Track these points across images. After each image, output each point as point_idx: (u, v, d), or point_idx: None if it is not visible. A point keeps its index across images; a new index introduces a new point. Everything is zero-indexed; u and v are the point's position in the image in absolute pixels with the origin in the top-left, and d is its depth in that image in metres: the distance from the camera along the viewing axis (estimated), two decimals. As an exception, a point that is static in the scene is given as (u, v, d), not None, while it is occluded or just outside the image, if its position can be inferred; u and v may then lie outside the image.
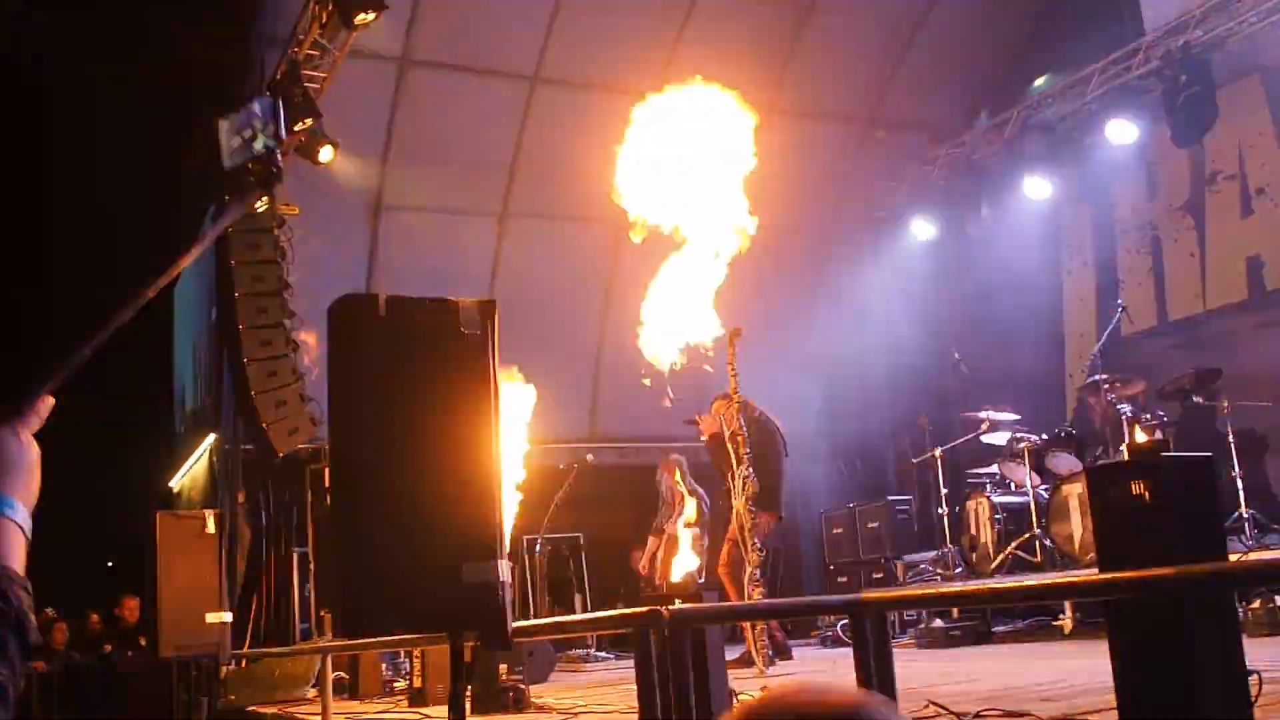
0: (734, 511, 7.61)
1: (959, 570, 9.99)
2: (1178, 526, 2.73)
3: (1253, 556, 6.89)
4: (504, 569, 3.24)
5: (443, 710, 4.06)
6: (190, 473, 13.41)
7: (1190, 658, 2.66)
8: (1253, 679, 2.76)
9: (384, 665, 8.19)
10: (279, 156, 9.45)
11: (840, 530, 12.26)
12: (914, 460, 11.72)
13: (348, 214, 11.89)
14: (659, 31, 12.59)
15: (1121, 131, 11.01)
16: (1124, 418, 8.79)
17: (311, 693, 7.68)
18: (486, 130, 12.45)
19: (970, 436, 10.55)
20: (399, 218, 12.23)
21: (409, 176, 11.99)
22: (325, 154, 10.31)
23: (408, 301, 3.42)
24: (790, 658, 8.26)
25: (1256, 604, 6.67)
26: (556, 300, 13.18)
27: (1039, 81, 12.37)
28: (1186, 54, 10.12)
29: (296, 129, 9.88)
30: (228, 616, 8.21)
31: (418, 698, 6.51)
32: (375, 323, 3.32)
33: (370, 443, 3.26)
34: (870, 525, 11.87)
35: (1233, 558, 3.68)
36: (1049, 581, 7.20)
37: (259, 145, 8.42)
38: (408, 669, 7.13)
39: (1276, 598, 6.64)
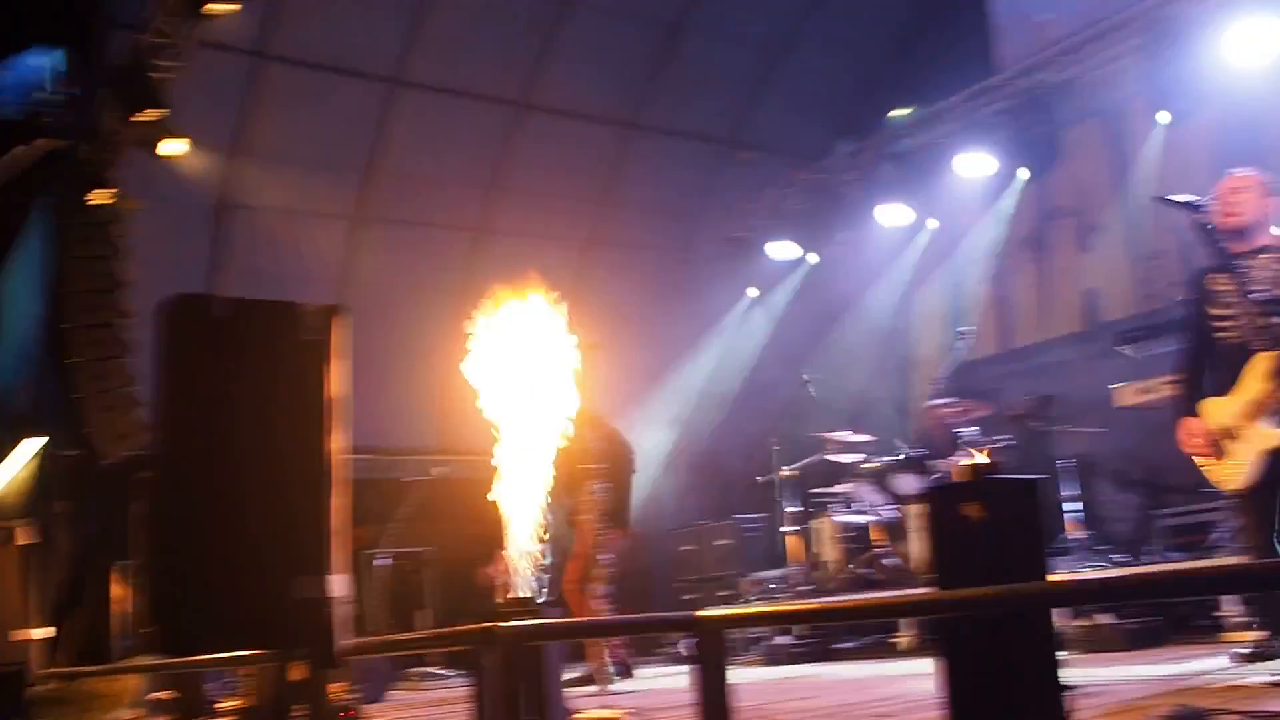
0: (579, 529, 7.56)
1: (805, 589, 10.11)
2: (1004, 546, 2.78)
3: (1076, 577, 7.15)
4: (337, 584, 3.13)
5: (269, 730, 3.92)
6: (12, 479, 12.79)
7: (1010, 673, 2.70)
8: (1069, 695, 2.83)
9: (211, 686, 7.88)
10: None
11: (689, 548, 12.30)
12: (762, 479, 11.82)
13: (193, 211, 11.49)
14: (525, 40, 12.53)
15: (973, 164, 11.34)
16: (961, 441, 9.04)
17: (130, 714, 7.36)
18: (342, 132, 12.20)
19: (818, 457, 10.70)
20: (246, 216, 11.87)
21: (258, 175, 11.65)
22: (173, 147, 9.89)
23: (245, 303, 3.28)
24: (631, 676, 8.23)
25: (1082, 621, 6.88)
26: (409, 308, 12.98)
27: (897, 113, 12.66)
28: (1035, 94, 10.52)
29: (141, 119, 9.50)
30: (37, 633, 7.81)
31: (246, 718, 6.28)
32: (209, 324, 3.18)
33: (198, 450, 3.11)
34: (718, 543, 11.94)
35: (1058, 578, 3.76)
36: (878, 599, 7.35)
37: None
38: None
39: (1096, 616, 6.86)
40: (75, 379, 9.46)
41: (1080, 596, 3.70)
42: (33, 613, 7.67)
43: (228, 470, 3.08)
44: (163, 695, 7.11)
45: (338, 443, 3.13)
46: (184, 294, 3.25)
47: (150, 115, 9.47)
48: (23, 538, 7.63)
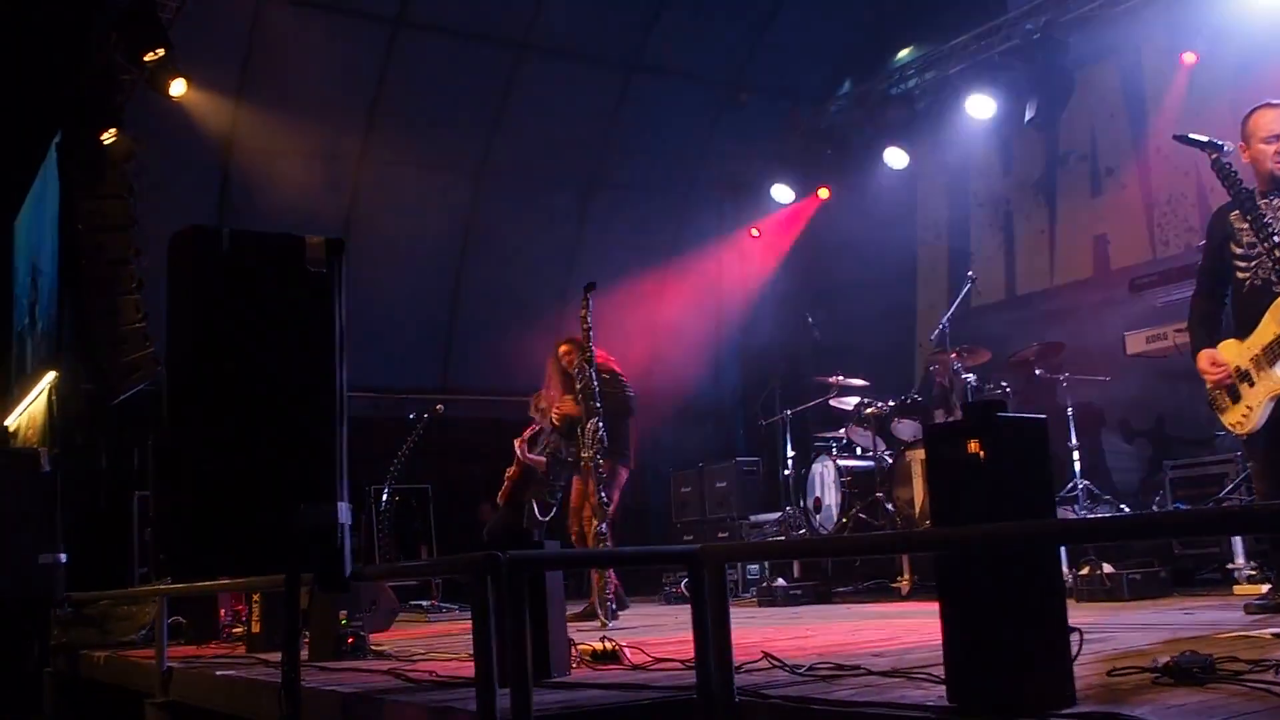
0: (584, 466, 7.63)
1: (803, 532, 10.18)
2: (1009, 485, 2.80)
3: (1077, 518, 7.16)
4: (344, 511, 3.18)
5: (279, 655, 3.99)
6: (28, 411, 12.90)
7: (1014, 613, 2.74)
8: (1074, 637, 2.86)
9: (224, 611, 8.00)
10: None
11: (688, 489, 12.39)
12: (763, 422, 11.88)
13: (200, 151, 11.49)
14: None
15: (980, 106, 11.23)
16: (967, 386, 9.05)
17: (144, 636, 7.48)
18: (348, 72, 12.15)
19: (819, 400, 10.74)
20: (252, 157, 11.86)
21: (264, 116, 11.62)
22: (176, 87, 9.86)
23: (252, 236, 3.32)
24: (625, 607, 8.43)
25: (1085, 570, 6.93)
26: (413, 248, 13.00)
27: (902, 54, 12.57)
28: (1046, 33, 10.36)
29: (147, 59, 9.47)
30: (61, 558, 7.93)
31: (255, 643, 6.37)
32: (218, 256, 3.21)
33: (207, 379, 3.16)
34: (718, 485, 12.02)
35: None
36: (880, 536, 7.41)
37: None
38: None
39: (1104, 565, 6.90)
40: (89, 314, 9.50)
41: (1083, 535, 3.73)
42: (57, 538, 7.79)
43: (237, 400, 3.12)
44: (177, 620, 7.23)
45: (344, 372, 3.17)
46: (194, 226, 3.28)
47: (155, 55, 9.42)
48: (32, 467, 7.72)
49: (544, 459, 9.14)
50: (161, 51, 9.47)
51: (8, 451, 8.53)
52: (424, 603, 10.97)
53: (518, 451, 9.56)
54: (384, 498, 10.30)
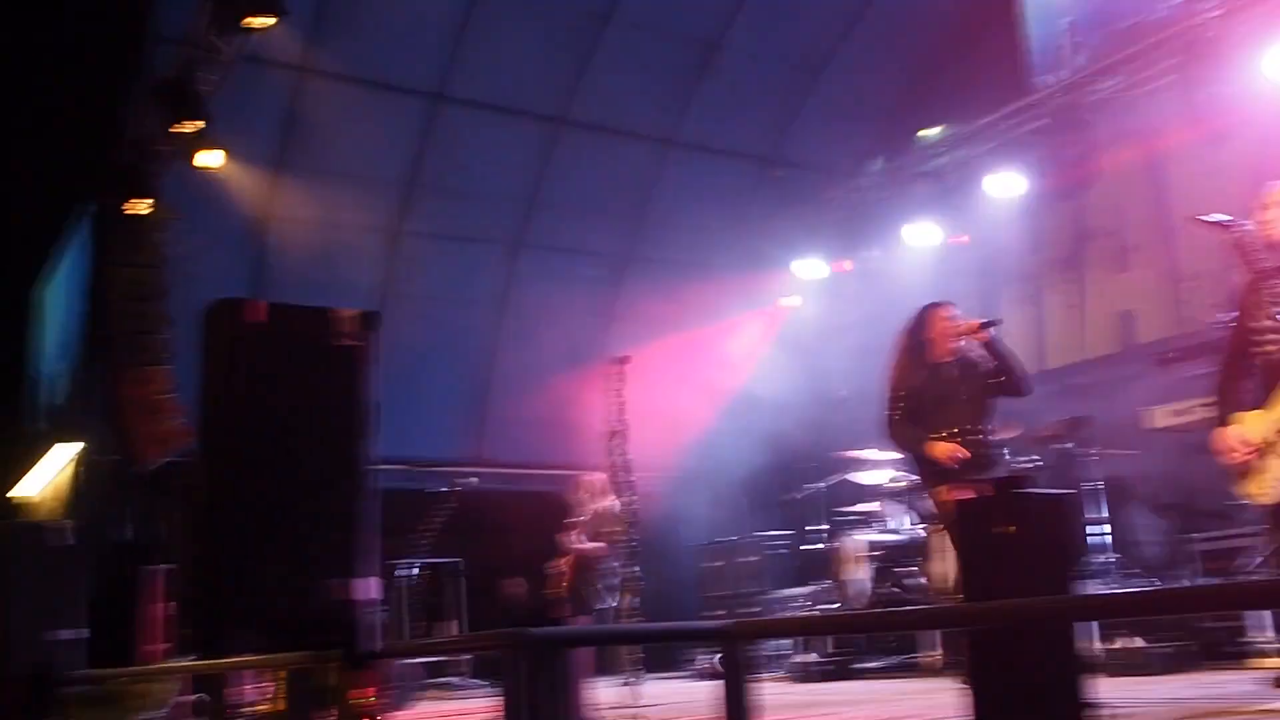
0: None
1: (833, 607, 10.07)
2: (1038, 559, 2.78)
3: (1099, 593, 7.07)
4: (372, 587, 3.18)
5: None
6: (53, 482, 12.93)
7: (1034, 688, 2.70)
8: (1093, 712, 2.83)
9: (248, 688, 7.94)
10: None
11: (717, 564, 12.29)
12: (794, 496, 11.80)
13: (236, 222, 11.62)
14: (564, 56, 12.62)
15: (1007, 183, 11.31)
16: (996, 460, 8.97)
17: (159, 715, 7.43)
18: (384, 146, 12.32)
19: (851, 474, 10.67)
20: (288, 230, 11.99)
21: (301, 188, 11.77)
22: (213, 159, 10.01)
23: (286, 308, 3.37)
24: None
25: (1117, 643, 6.83)
26: (449, 321, 13.07)
27: (931, 131, 12.65)
28: (1072, 113, 10.46)
29: (185, 130, 9.63)
30: (84, 633, 7.89)
31: (277, 720, 6.33)
32: (251, 328, 3.25)
33: (239, 451, 3.18)
34: (746, 560, 11.92)
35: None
36: (903, 612, 7.31)
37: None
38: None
39: (1137, 639, 6.81)
40: (116, 384, 9.58)
41: (1102, 611, 3.68)
42: (66, 614, 7.74)
43: (264, 473, 3.14)
44: (191, 698, 7.18)
45: (374, 446, 3.19)
46: (226, 298, 3.32)
47: (190, 126, 9.58)
48: (55, 540, 7.68)
49: (604, 545, 8.80)
50: (200, 123, 9.62)
51: (31, 525, 8.51)
52: (453, 679, 10.87)
53: (574, 545, 9.20)
54: (413, 572, 10.26)
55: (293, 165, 11.79)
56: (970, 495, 5.88)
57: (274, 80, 11.44)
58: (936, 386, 6.47)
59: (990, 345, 6.46)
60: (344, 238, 12.17)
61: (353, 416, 3.24)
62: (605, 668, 8.85)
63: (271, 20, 9.01)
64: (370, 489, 3.19)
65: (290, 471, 3.16)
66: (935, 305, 6.67)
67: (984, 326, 6.41)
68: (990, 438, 6.51)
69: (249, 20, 8.99)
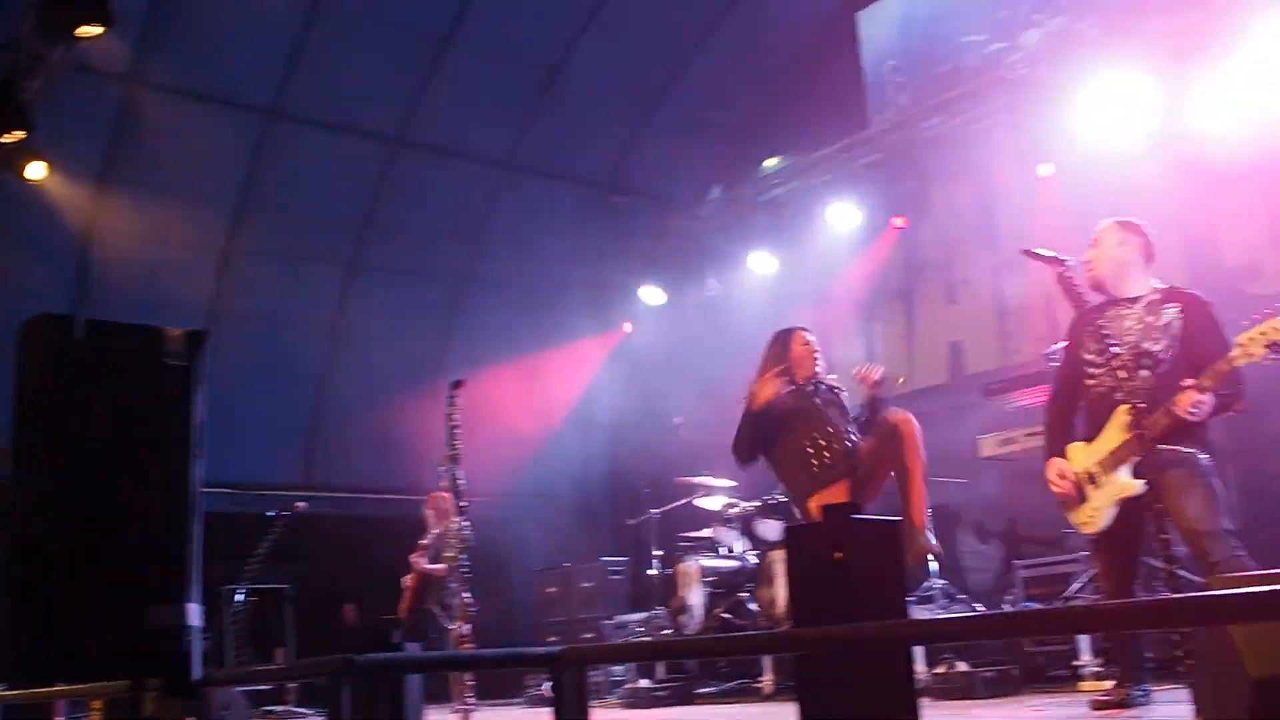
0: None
1: (667, 632, 10.13)
2: (866, 585, 2.85)
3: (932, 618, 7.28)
4: (193, 613, 3.09)
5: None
6: None
7: (869, 715, 2.76)
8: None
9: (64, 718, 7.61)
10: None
11: (554, 589, 12.26)
12: (630, 522, 11.86)
13: (58, 237, 11.17)
14: (404, 76, 12.51)
15: (843, 215, 11.61)
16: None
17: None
18: (216, 163, 11.99)
19: (686, 501, 10.78)
20: (113, 246, 11.56)
21: (128, 203, 11.38)
22: (35, 170, 9.63)
23: (107, 326, 3.25)
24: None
25: (941, 668, 7.02)
26: (281, 342, 12.78)
27: (770, 162, 12.91)
28: (905, 150, 10.83)
29: (6, 141, 9.24)
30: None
31: (95, 753, 6.08)
32: (70, 346, 3.13)
33: (55, 474, 3.05)
34: (584, 585, 11.93)
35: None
36: (736, 637, 7.44)
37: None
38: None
39: (959, 664, 7.00)
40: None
41: (937, 635, 3.79)
42: None
43: (83, 496, 3.02)
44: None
45: (200, 468, 3.10)
46: (45, 314, 3.19)
47: (12, 136, 9.20)
48: None
49: (445, 567, 8.97)
50: (22, 133, 9.24)
51: None
52: (278, 708, 10.58)
53: (418, 565, 9.52)
54: (238, 598, 9.97)
55: (120, 178, 11.38)
56: (841, 501, 6.07)
57: (102, 91, 11.06)
58: (800, 402, 7.04)
59: (875, 401, 6.90)
60: (173, 255, 11.78)
61: (179, 438, 3.14)
62: (437, 695, 8.75)
63: (99, 29, 8.68)
64: (196, 512, 3.10)
65: (110, 495, 3.04)
66: (795, 329, 7.10)
67: (879, 382, 6.82)
68: (850, 442, 6.93)
69: (81, 29, 8.66)
